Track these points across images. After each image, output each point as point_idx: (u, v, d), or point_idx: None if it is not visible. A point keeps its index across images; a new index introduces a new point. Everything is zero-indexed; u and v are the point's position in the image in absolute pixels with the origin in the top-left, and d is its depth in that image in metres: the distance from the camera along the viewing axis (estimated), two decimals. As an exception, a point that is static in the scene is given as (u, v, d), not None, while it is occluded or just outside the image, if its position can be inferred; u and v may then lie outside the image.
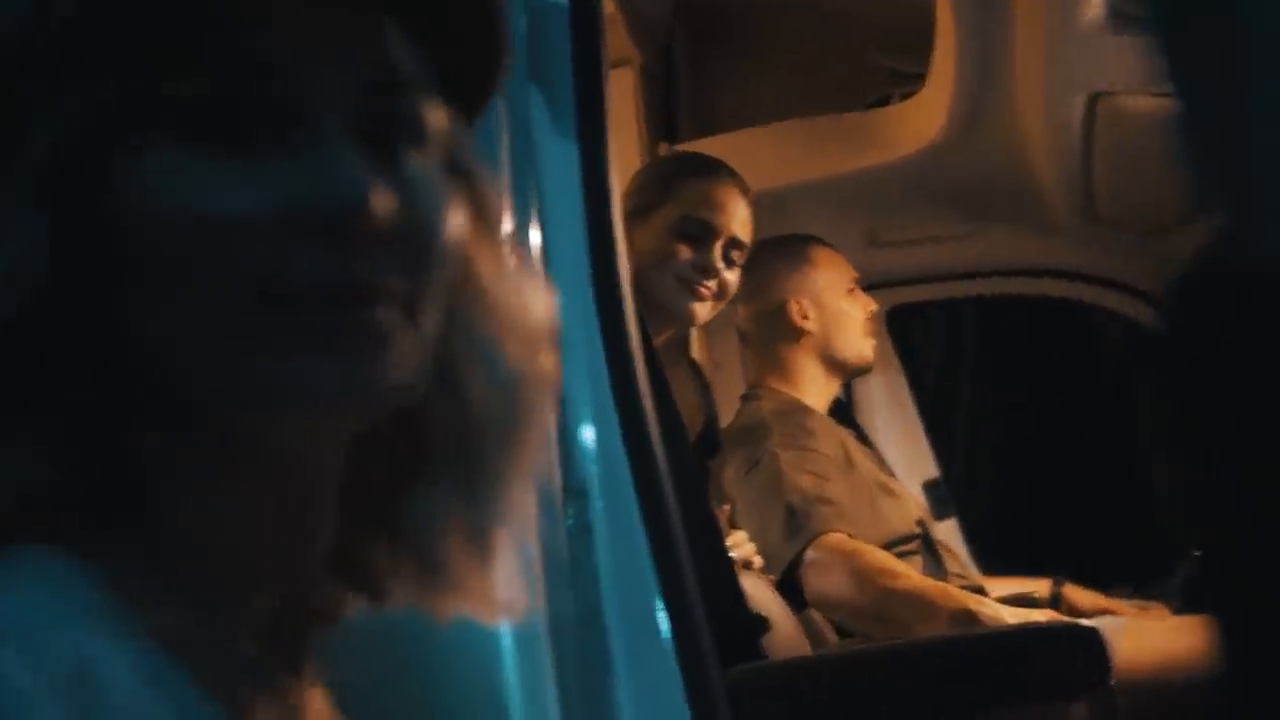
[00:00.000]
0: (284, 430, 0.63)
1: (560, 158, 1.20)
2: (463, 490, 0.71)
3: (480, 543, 0.72)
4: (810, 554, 2.19)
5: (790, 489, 2.29)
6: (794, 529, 2.22)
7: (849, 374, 2.70)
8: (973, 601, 2.07)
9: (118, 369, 0.61)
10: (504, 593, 0.73)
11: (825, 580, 2.17)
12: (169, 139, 0.59)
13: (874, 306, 2.69)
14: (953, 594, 2.11)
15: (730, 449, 2.48)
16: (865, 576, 2.14)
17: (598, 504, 1.18)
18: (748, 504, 2.35)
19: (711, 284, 2.22)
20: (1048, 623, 2.06)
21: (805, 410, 2.53)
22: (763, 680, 1.83)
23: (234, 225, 0.59)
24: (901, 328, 3.29)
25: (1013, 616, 2.07)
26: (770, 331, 2.61)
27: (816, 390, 2.59)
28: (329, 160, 0.60)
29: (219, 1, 0.60)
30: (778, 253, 2.61)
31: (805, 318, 2.58)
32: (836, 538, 2.20)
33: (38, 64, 0.59)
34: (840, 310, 2.61)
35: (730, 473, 2.43)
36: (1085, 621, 2.07)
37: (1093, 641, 1.76)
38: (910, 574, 2.19)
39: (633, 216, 2.23)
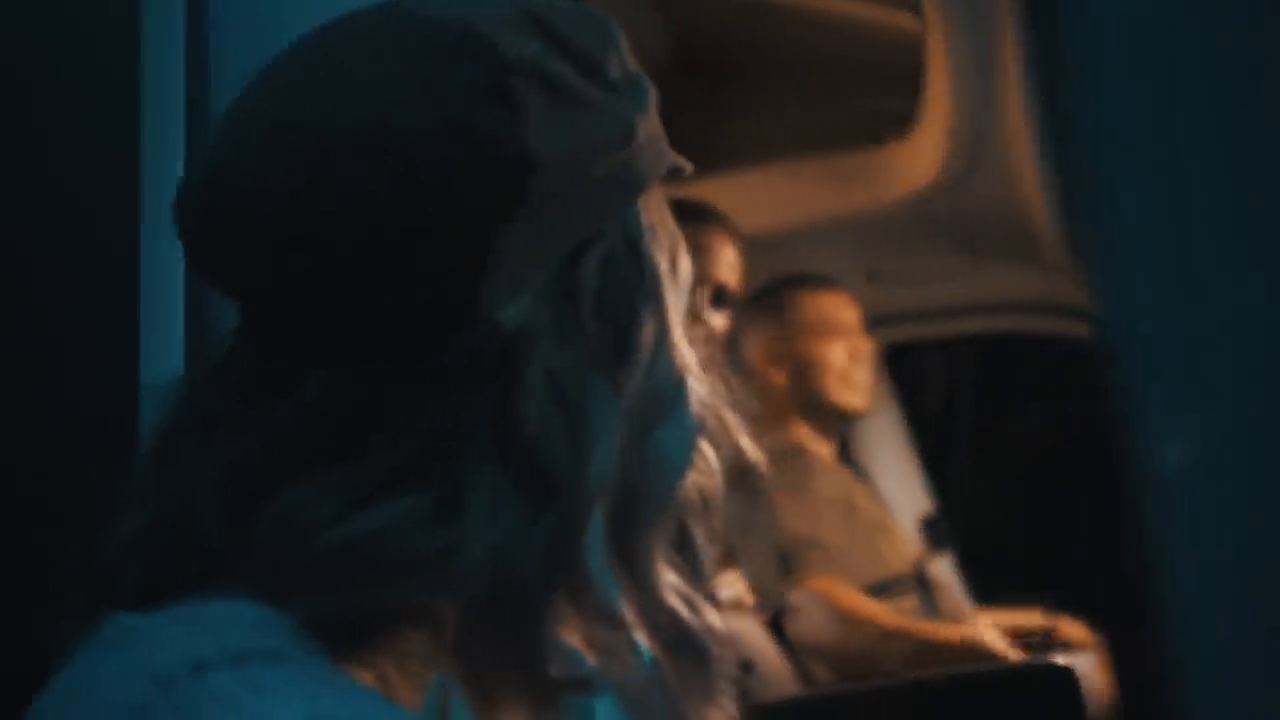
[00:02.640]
0: None
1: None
2: None
3: None
4: (793, 598, 2.21)
5: (782, 531, 2.31)
6: (783, 572, 2.24)
7: (839, 420, 2.65)
8: (957, 636, 2.08)
9: None
10: None
11: (805, 625, 2.19)
12: None
13: (865, 347, 2.65)
14: (939, 633, 2.13)
15: (726, 490, 2.48)
16: (843, 621, 2.15)
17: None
18: (742, 545, 2.37)
19: (697, 330, 2.22)
20: (1022, 661, 2.07)
21: (803, 452, 2.53)
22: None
23: None
24: (899, 365, 3.30)
25: (1006, 649, 2.07)
26: (754, 383, 2.59)
27: (811, 435, 2.59)
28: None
29: None
30: (754, 304, 2.59)
31: (780, 375, 2.57)
32: (819, 582, 2.21)
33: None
34: (816, 360, 2.57)
35: (725, 513, 2.43)
36: (1063, 658, 2.08)
37: (1067, 680, 1.76)
38: (891, 616, 2.21)
39: None
